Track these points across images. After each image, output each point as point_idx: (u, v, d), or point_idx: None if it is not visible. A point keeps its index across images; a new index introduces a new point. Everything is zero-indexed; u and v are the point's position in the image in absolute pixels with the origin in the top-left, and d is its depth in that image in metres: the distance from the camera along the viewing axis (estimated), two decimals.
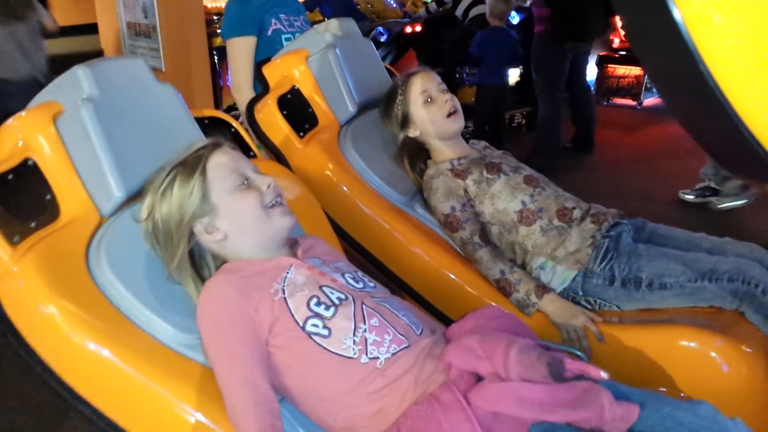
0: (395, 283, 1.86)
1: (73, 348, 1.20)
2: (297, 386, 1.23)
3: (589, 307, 1.75)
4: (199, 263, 1.35)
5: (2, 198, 1.23)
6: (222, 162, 1.30)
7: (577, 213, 1.83)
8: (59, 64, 1.39)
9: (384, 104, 2.04)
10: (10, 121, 1.33)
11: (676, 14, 0.52)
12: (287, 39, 2.41)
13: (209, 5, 5.17)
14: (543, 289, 1.73)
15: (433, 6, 6.05)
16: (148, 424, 1.25)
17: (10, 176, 1.25)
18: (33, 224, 1.26)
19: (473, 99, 4.96)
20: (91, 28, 5.64)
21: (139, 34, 4.30)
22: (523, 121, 5.49)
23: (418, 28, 5.70)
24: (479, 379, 1.21)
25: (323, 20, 4.65)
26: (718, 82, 0.53)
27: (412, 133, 1.99)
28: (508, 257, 1.85)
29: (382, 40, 5.56)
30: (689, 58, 0.53)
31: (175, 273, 1.31)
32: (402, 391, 1.20)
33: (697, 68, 0.53)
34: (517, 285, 1.74)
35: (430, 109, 1.96)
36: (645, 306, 1.72)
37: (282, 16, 2.46)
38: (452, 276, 1.83)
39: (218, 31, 4.31)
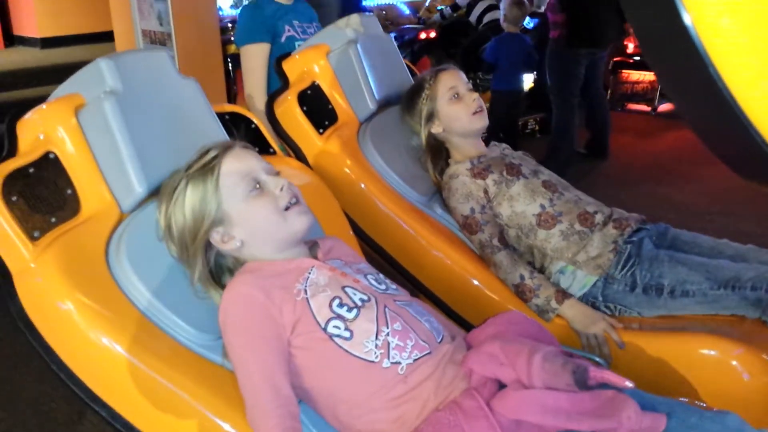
0: (413, 285, 1.85)
1: (91, 346, 1.18)
2: (317, 388, 1.22)
3: (609, 313, 1.74)
4: (219, 269, 1.33)
5: (23, 192, 1.21)
6: (233, 168, 1.26)
7: (599, 218, 1.80)
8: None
9: (407, 98, 2.02)
10: (31, 114, 1.31)
11: (686, 18, 0.52)
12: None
13: (224, 13, 5.18)
14: (563, 294, 1.71)
15: (447, 11, 6.03)
16: (164, 426, 1.23)
17: (31, 170, 1.24)
18: (53, 219, 1.24)
19: (488, 104, 4.95)
20: (107, 36, 5.67)
21: (155, 42, 4.34)
22: (537, 127, 5.47)
23: (433, 34, 5.68)
24: (501, 386, 1.19)
25: None
26: (728, 86, 0.53)
27: (435, 129, 1.97)
28: (526, 260, 1.83)
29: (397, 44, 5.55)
30: (699, 62, 0.53)
31: (198, 284, 1.29)
32: (423, 398, 1.18)
33: (707, 72, 0.53)
34: (537, 290, 1.71)
35: (457, 106, 1.94)
36: (666, 313, 1.70)
37: (295, 22, 2.47)
38: (472, 279, 1.81)
39: (232, 38, 4.34)
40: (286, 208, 1.27)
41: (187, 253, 1.27)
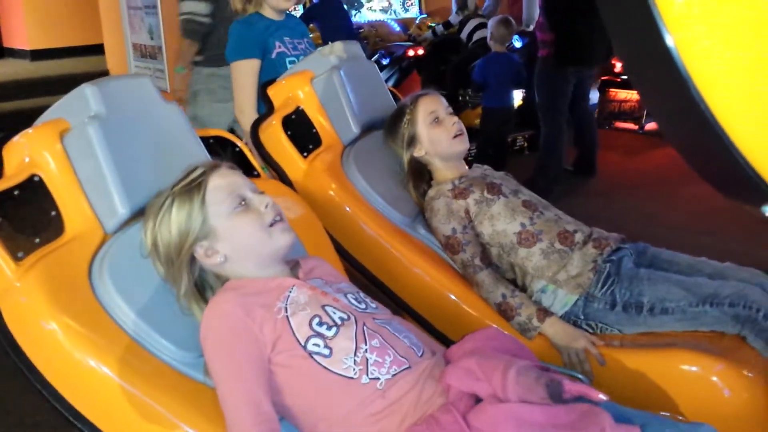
0: (396, 304, 1.86)
1: (74, 365, 1.20)
2: (297, 405, 1.23)
3: (591, 331, 1.75)
4: (202, 285, 1.35)
5: (8, 213, 1.24)
6: (219, 185, 1.30)
7: (579, 237, 1.83)
8: (66, 85, 1.40)
9: (390, 123, 2.06)
10: (18, 137, 1.35)
11: (669, 40, 0.53)
12: (291, 62, 2.43)
13: None
14: (545, 312, 1.73)
15: (439, 28, 6.10)
16: None
17: (16, 192, 1.27)
18: (37, 240, 1.27)
19: (477, 121, 4.99)
20: (98, 49, 5.69)
21: (145, 55, 4.34)
22: (526, 144, 5.51)
23: (421, 52, 5.74)
24: (479, 400, 1.21)
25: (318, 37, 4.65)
26: (709, 107, 0.54)
27: (417, 152, 2.00)
28: (508, 277, 1.86)
29: (384, 62, 5.60)
30: (681, 83, 0.54)
31: (184, 301, 1.31)
32: (402, 412, 1.20)
33: (688, 93, 0.54)
34: (519, 309, 1.74)
35: (437, 129, 1.98)
36: (647, 330, 1.72)
37: (286, 38, 2.48)
38: (453, 297, 1.83)
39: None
40: (271, 225, 1.30)
41: (173, 269, 1.29)
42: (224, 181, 1.30)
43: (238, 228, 1.29)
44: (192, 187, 1.29)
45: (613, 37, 0.61)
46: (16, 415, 2.28)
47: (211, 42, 3.19)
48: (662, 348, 1.64)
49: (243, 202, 1.30)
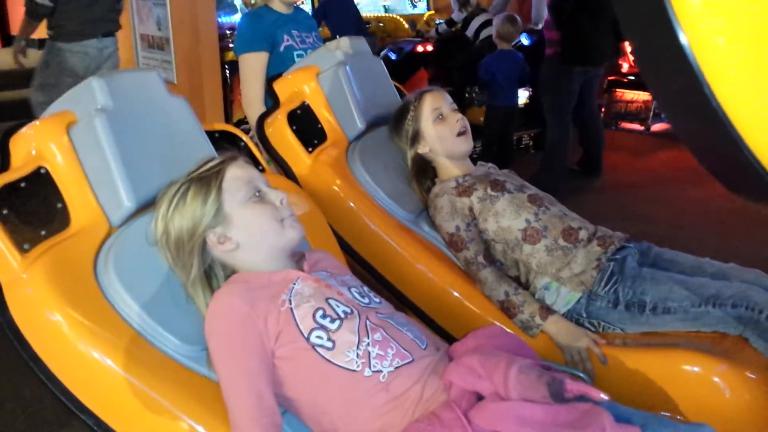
0: (399, 300, 1.87)
1: (78, 356, 1.20)
2: (301, 398, 1.24)
3: (593, 329, 1.75)
4: (210, 274, 1.36)
5: (14, 205, 1.24)
6: (238, 175, 1.32)
7: (583, 234, 1.83)
8: None
9: (394, 120, 2.06)
10: (25, 129, 1.35)
11: (683, 38, 0.53)
12: (299, 55, 2.43)
13: (222, 20, 5.22)
14: (547, 310, 1.73)
15: (443, 27, 6.09)
16: None
17: (23, 184, 1.27)
18: (43, 232, 1.27)
19: (482, 119, 4.99)
20: None
21: (153, 47, 4.34)
22: (531, 143, 5.51)
23: (429, 48, 5.73)
24: (480, 398, 1.21)
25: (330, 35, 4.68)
26: (721, 104, 0.54)
27: (422, 149, 2.01)
28: (512, 274, 1.86)
29: (392, 57, 5.59)
30: (694, 81, 0.54)
31: (191, 288, 1.32)
32: (405, 407, 1.20)
33: (701, 90, 0.54)
34: (522, 306, 1.74)
35: (441, 126, 1.98)
36: (649, 329, 1.71)
37: (294, 32, 2.48)
38: (456, 294, 1.83)
39: (231, 45, 4.38)
40: (283, 218, 1.32)
41: (183, 254, 1.30)
42: (243, 172, 1.33)
43: (253, 217, 1.31)
44: (210, 174, 1.31)
45: (627, 33, 0.61)
46: (19, 403, 2.29)
47: (56, 20, 3.71)
48: (664, 348, 1.64)
49: (258, 194, 1.32)
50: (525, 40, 5.44)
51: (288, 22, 2.48)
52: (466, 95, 5.42)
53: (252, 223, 1.31)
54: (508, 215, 1.85)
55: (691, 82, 0.54)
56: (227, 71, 4.50)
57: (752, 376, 1.52)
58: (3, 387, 2.37)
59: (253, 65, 2.42)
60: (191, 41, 4.15)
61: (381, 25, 6.58)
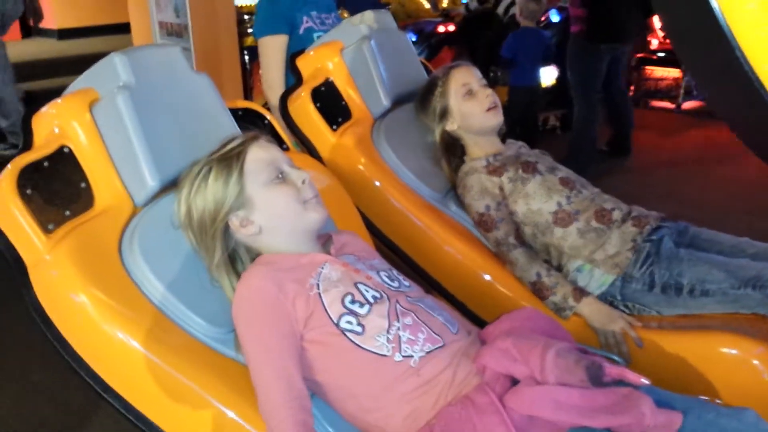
0: (427, 282, 1.84)
1: (104, 338, 1.19)
2: (329, 382, 1.22)
3: (628, 312, 1.71)
4: (234, 258, 1.33)
5: (38, 185, 1.22)
6: (259, 156, 1.29)
7: (617, 215, 1.78)
8: (93, 64, 1.39)
9: (421, 96, 2.02)
10: (46, 108, 1.33)
11: (713, 2, 0.53)
12: (319, 37, 2.40)
13: (240, 4, 5.20)
14: (581, 292, 1.69)
15: (473, 3, 5.98)
16: (177, 418, 1.24)
17: (46, 163, 1.25)
18: (67, 212, 1.26)
19: (505, 99, 4.91)
20: (124, 28, 5.73)
21: (171, 34, 4.36)
22: (558, 123, 5.42)
23: (451, 27, 5.65)
24: (515, 382, 1.18)
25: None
26: (754, 69, 0.53)
27: (450, 126, 1.96)
28: (542, 258, 1.81)
29: (413, 39, 5.53)
30: (726, 45, 0.53)
31: (215, 272, 1.30)
32: (436, 392, 1.18)
33: (733, 54, 0.53)
34: (554, 288, 1.70)
35: (471, 102, 1.93)
36: (685, 312, 1.67)
37: (314, 13, 2.46)
38: (486, 276, 1.80)
39: (249, 30, 4.35)
40: (306, 200, 1.29)
41: (206, 237, 1.28)
42: (264, 153, 1.30)
43: (275, 199, 1.28)
44: (231, 156, 1.28)
45: (657, 5, 0.61)
46: (45, 392, 2.31)
47: None
48: (701, 330, 1.61)
49: (281, 175, 1.29)
50: (555, 17, 5.32)
51: (307, 4, 2.45)
52: (491, 74, 5.34)
53: (274, 206, 1.29)
54: (538, 198, 1.80)
55: (722, 47, 0.54)
56: (246, 56, 4.48)
57: None
58: (31, 377, 2.39)
59: (272, 48, 2.40)
60: (210, 27, 4.16)
61: (401, 6, 6.50)
